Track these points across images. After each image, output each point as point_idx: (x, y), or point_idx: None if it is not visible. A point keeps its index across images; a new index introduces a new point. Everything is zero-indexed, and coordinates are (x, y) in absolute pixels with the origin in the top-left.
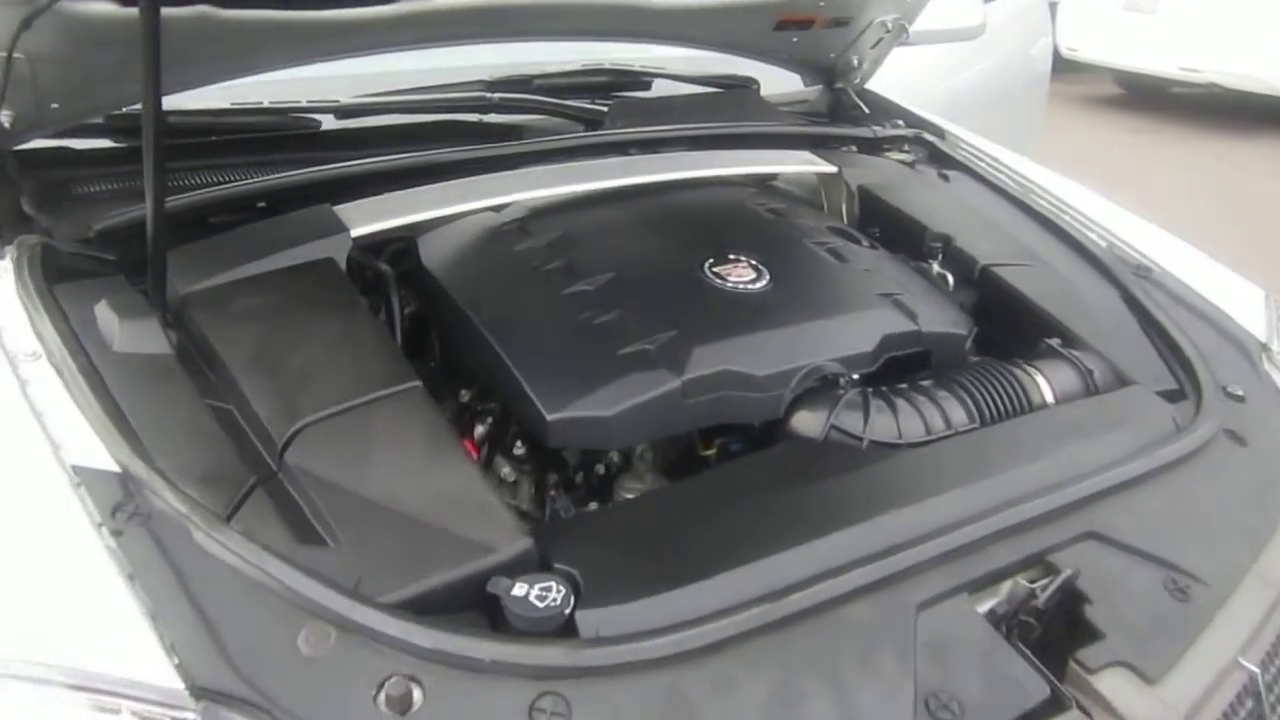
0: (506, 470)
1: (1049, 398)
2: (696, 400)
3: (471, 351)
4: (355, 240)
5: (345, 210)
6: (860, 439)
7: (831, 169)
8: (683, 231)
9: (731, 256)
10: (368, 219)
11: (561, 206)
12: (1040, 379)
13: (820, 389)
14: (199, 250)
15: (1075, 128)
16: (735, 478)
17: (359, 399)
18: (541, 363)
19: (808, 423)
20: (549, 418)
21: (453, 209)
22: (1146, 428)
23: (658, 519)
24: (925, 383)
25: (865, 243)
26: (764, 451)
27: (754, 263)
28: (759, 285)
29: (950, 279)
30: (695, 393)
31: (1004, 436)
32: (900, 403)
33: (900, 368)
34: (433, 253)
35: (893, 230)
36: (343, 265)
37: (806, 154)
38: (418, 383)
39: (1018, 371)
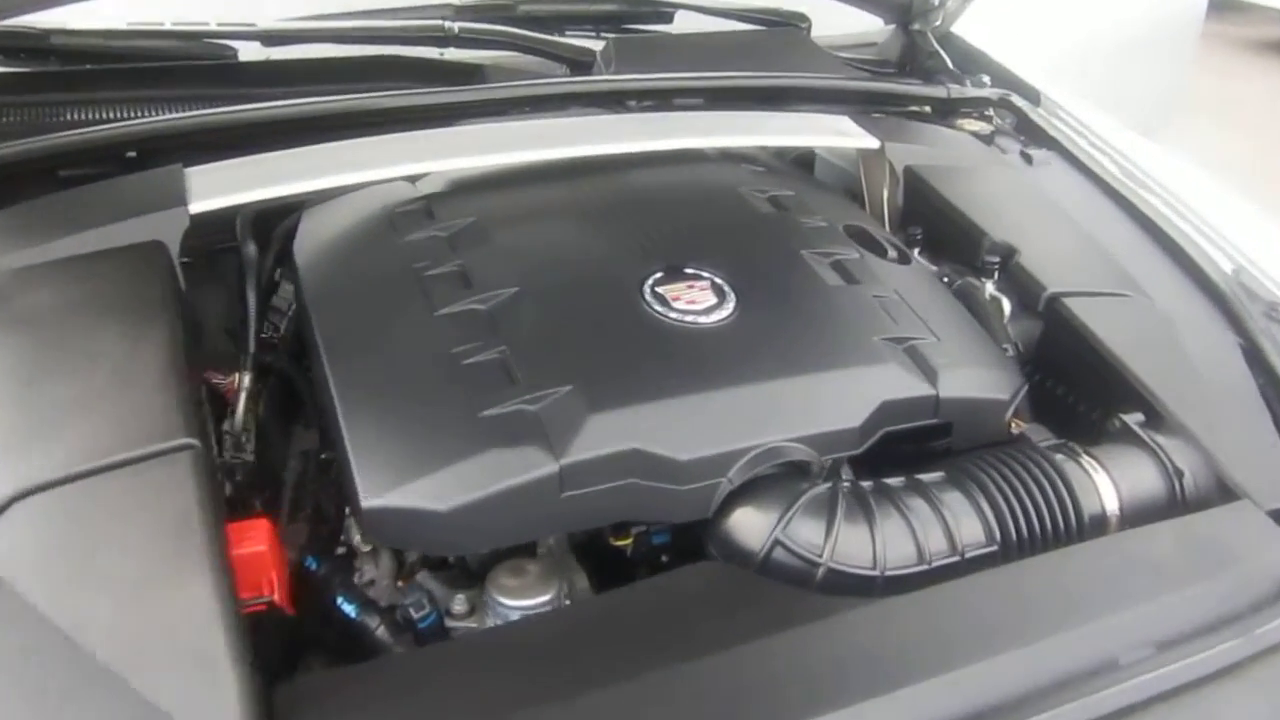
0: (359, 538)
1: (1111, 509)
2: (583, 494)
3: (317, 386)
4: (195, 217)
5: (203, 174)
6: (816, 563)
7: (871, 143)
8: (635, 228)
9: (690, 270)
10: (228, 188)
11: (493, 181)
12: (1102, 479)
13: (775, 481)
14: (19, 213)
15: (1233, 74)
16: (591, 626)
17: (95, 462)
18: (382, 419)
19: (743, 531)
20: (363, 504)
21: (348, 177)
22: (1254, 579)
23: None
24: (932, 476)
25: (892, 252)
26: (658, 579)
27: (719, 280)
28: (715, 317)
29: (1007, 306)
30: (582, 482)
31: (1032, 580)
32: (885, 508)
33: (909, 444)
34: (309, 235)
35: (941, 231)
36: (174, 248)
37: (844, 121)
38: (193, 441)
39: (1070, 466)
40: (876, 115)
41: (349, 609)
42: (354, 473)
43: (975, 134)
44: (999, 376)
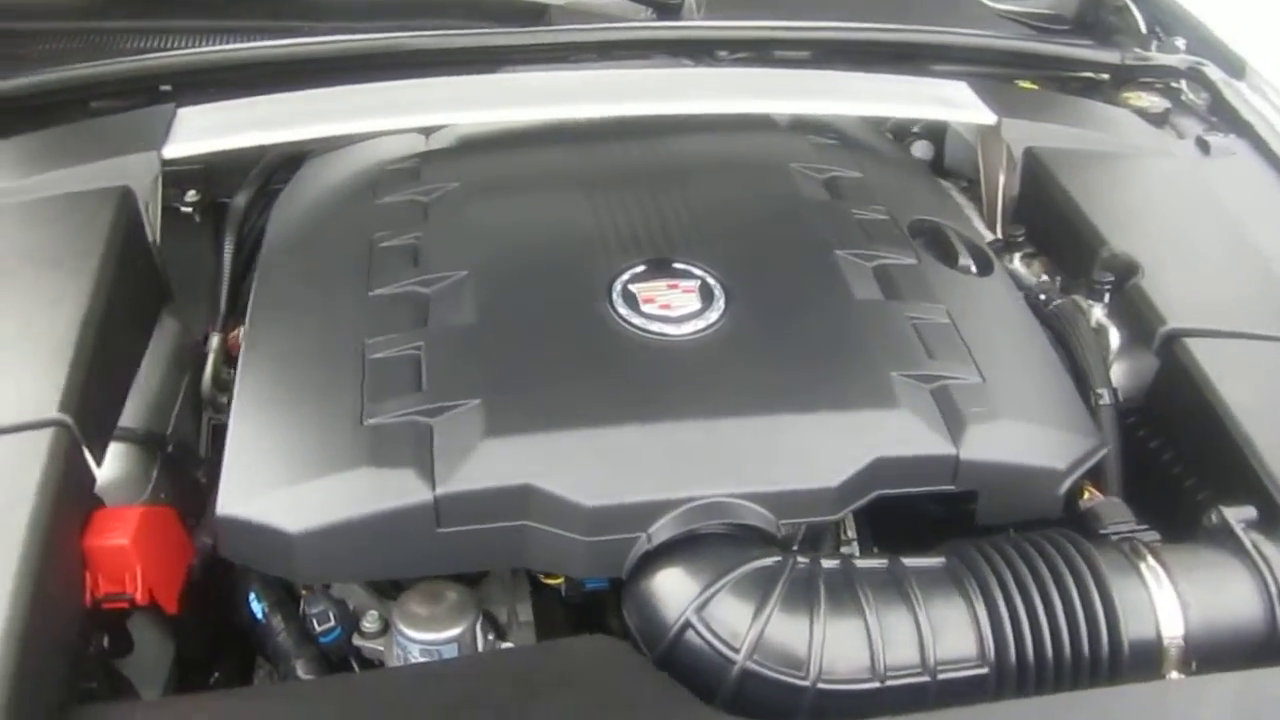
0: None
1: (1170, 638)
2: (464, 531)
3: None
4: (168, 162)
5: (195, 115)
6: (730, 659)
7: (984, 118)
8: (636, 208)
9: (679, 265)
10: (213, 131)
11: (505, 140)
12: (1164, 596)
13: (710, 546)
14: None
15: None
16: (430, 691)
17: None
18: (271, 413)
19: (653, 603)
20: (217, 512)
21: (348, 126)
22: None
23: None
24: (923, 562)
25: (967, 258)
26: (550, 646)
27: (712, 281)
28: (689, 328)
29: (1115, 339)
30: (462, 518)
31: None
32: (839, 598)
33: (921, 514)
34: (295, 188)
35: (1054, 233)
36: (145, 196)
37: (960, 89)
38: (63, 419)
39: (1120, 570)
40: (1024, 83)
41: (257, 609)
42: (222, 474)
43: (1143, 111)
44: (1059, 438)
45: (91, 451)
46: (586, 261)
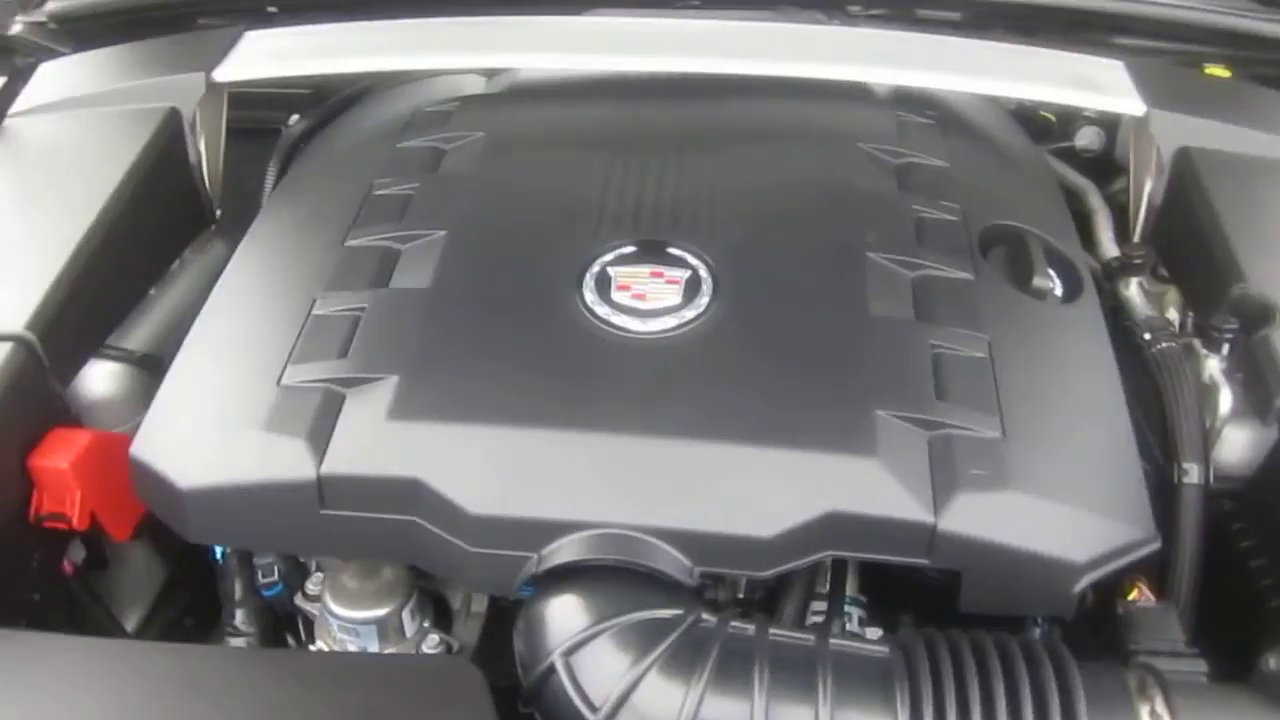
0: None
1: None
2: (349, 517)
3: None
4: (215, 84)
5: (260, 39)
6: (588, 717)
7: (1129, 107)
8: (655, 179)
9: (674, 250)
10: (269, 58)
11: (557, 90)
12: None
13: (609, 583)
14: (82, 61)
15: None
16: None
17: None
18: (210, 356)
19: (530, 635)
20: (130, 451)
21: (409, 61)
22: None
23: None
24: (866, 651)
25: (1042, 277)
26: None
27: (705, 272)
28: (659, 324)
29: (1226, 401)
30: (348, 503)
31: None
32: (731, 673)
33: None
34: (343, 123)
35: (1191, 258)
36: (192, 116)
37: (1114, 70)
38: (25, 335)
39: (1118, 700)
40: (1214, 68)
41: (217, 549)
42: (148, 413)
43: None
44: (1088, 522)
45: (59, 371)
46: (573, 234)
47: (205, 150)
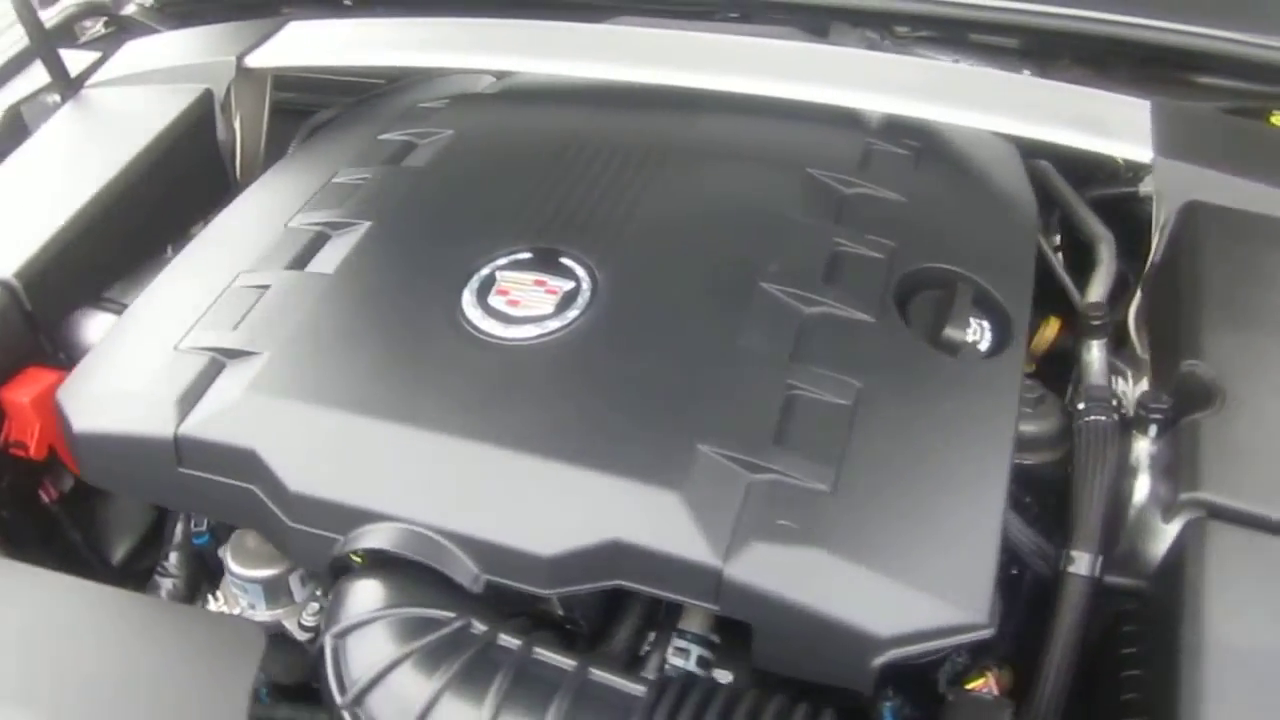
0: None
1: None
2: (202, 478)
3: None
4: (245, 69)
5: (303, 29)
6: (339, 697)
7: (1133, 152)
8: (586, 187)
9: (566, 261)
10: (299, 48)
11: (553, 94)
12: None
13: (389, 573)
14: (157, 41)
15: None
16: None
17: None
18: (149, 310)
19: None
20: (57, 392)
21: (427, 58)
22: None
23: None
24: (620, 686)
25: (958, 329)
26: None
27: (587, 286)
28: (519, 333)
29: (1143, 488)
30: (201, 464)
31: None
32: (470, 680)
33: None
34: (346, 114)
35: (1162, 325)
36: (221, 96)
37: (1136, 110)
38: (9, 281)
39: None
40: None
41: None
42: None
43: None
44: (901, 597)
45: (46, 316)
46: (483, 236)
47: (241, 129)
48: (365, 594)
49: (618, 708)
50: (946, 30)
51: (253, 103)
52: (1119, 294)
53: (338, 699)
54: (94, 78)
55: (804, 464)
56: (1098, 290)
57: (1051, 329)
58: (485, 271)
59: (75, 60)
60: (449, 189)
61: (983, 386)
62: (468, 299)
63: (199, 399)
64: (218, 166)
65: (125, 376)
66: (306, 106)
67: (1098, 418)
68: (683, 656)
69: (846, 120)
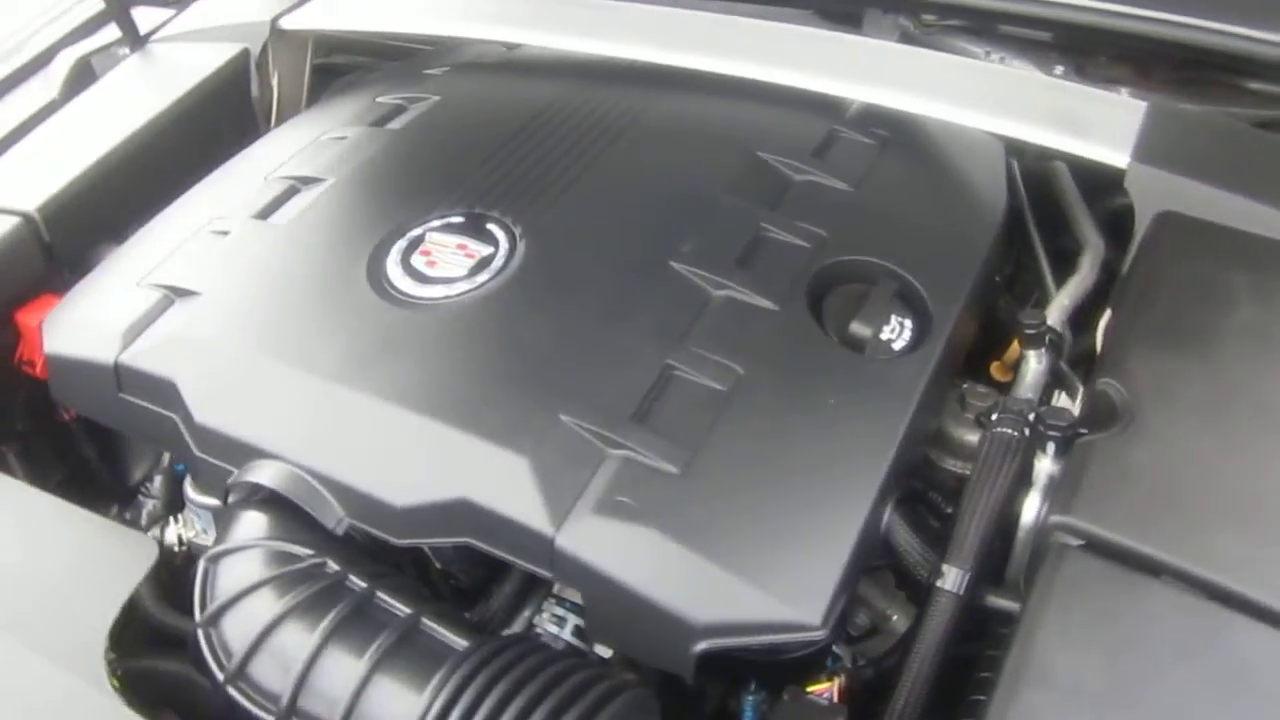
0: None
1: None
2: (134, 404)
3: None
4: (279, 30)
5: None
6: (198, 615)
7: (1109, 156)
8: (537, 156)
9: (492, 227)
10: (340, 11)
11: (547, 66)
12: None
13: (266, 507)
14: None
15: None
16: None
17: None
18: (126, 254)
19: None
20: (45, 319)
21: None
22: None
23: None
24: (445, 638)
25: (866, 326)
26: None
27: (504, 253)
28: (425, 292)
29: (1034, 504)
30: (134, 389)
31: None
32: (306, 614)
33: None
34: (376, 75)
35: (1108, 339)
36: (255, 56)
37: (1128, 110)
38: (28, 212)
39: None
40: None
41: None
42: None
43: None
44: (727, 587)
45: (61, 247)
46: (424, 199)
47: (279, 87)
48: (242, 525)
49: (433, 654)
50: (979, 21)
51: (292, 62)
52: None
53: (197, 617)
54: (158, 34)
55: (658, 444)
56: (1064, 300)
57: None
58: (417, 232)
59: (153, 17)
60: (411, 152)
61: (878, 385)
62: (393, 257)
63: (143, 331)
64: (250, 121)
65: (93, 307)
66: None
67: (1004, 430)
68: (558, 624)
69: (822, 106)
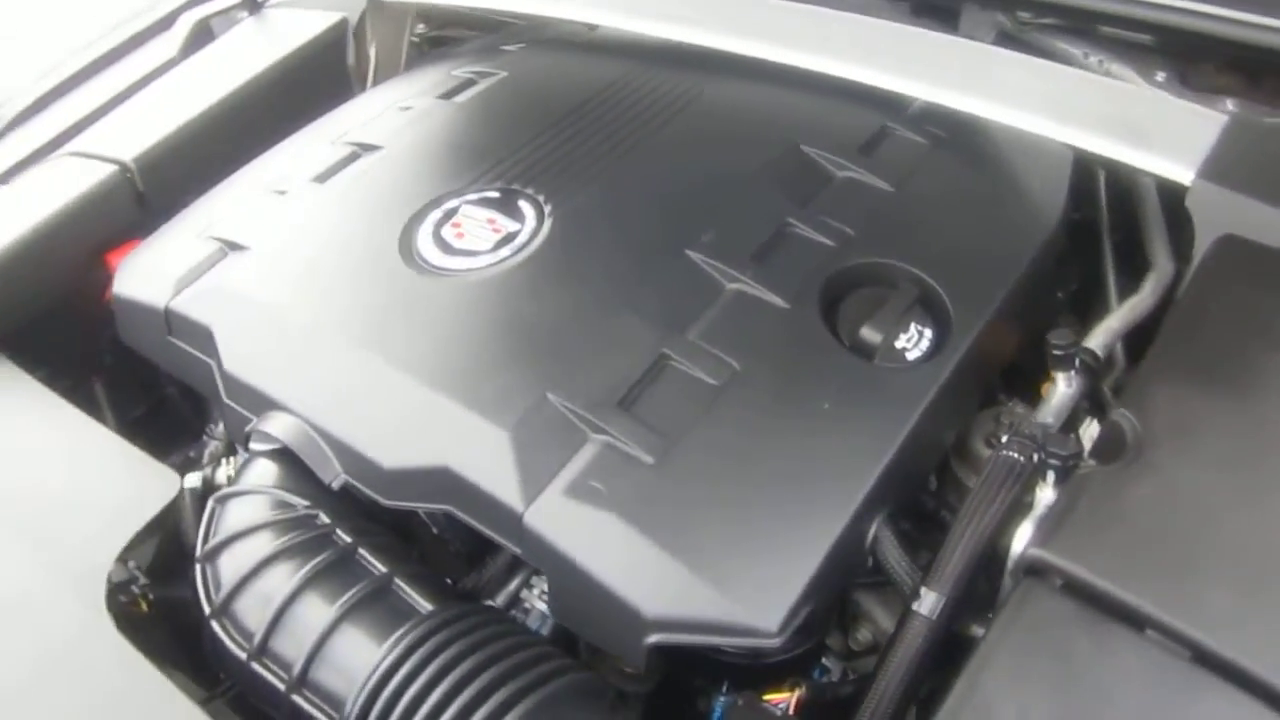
0: None
1: None
2: (180, 348)
3: None
4: (374, 2)
5: None
6: (200, 548)
7: (1171, 170)
8: (585, 137)
9: (523, 204)
10: None
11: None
12: None
13: (276, 457)
14: None
15: None
16: None
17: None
18: (197, 208)
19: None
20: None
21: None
22: None
23: None
24: (414, 601)
25: (876, 332)
26: None
27: (529, 231)
28: (451, 263)
29: (1024, 533)
30: (179, 333)
31: None
32: (286, 559)
33: None
34: (453, 51)
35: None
36: (359, 26)
37: (1203, 122)
38: (125, 161)
39: None
40: None
41: None
42: None
43: None
44: (685, 581)
45: (153, 196)
46: (468, 173)
47: (375, 56)
48: (253, 472)
49: (398, 613)
50: (1078, 20)
51: (390, 33)
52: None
53: (198, 552)
54: (273, 1)
55: (638, 432)
56: (1114, 323)
57: None
58: (453, 204)
59: None
60: (465, 126)
61: (879, 393)
62: (425, 226)
63: (194, 280)
64: (345, 87)
65: (159, 254)
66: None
67: (1009, 454)
68: (546, 600)
69: (882, 102)
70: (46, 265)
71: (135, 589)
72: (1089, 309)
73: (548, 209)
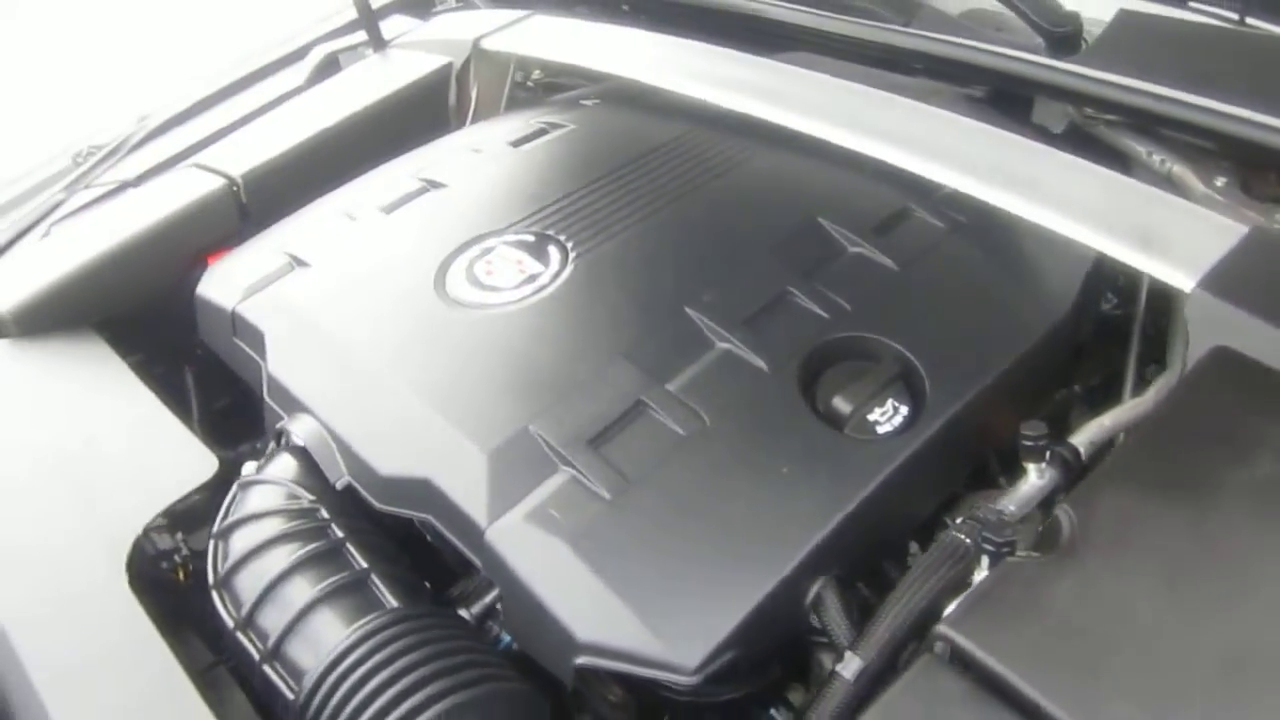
0: None
1: None
2: (241, 347)
3: None
4: (479, 50)
5: (542, 24)
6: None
7: (1177, 281)
8: (628, 192)
9: (553, 249)
10: (527, 40)
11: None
12: None
13: (293, 454)
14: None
15: None
16: None
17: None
18: (287, 222)
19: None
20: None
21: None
22: None
23: None
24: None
25: (850, 403)
26: None
27: (550, 278)
28: (476, 297)
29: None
30: (242, 335)
31: None
32: (286, 543)
33: None
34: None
35: None
36: (455, 73)
37: (1222, 233)
38: (234, 176)
39: None
40: None
41: None
42: None
43: None
44: (614, 611)
45: (255, 210)
46: (516, 214)
47: (476, 99)
48: (276, 464)
49: (366, 606)
50: (1131, 117)
51: (493, 78)
52: None
53: (215, 529)
54: (398, 40)
55: (602, 470)
56: (1106, 420)
57: None
58: (491, 243)
59: (404, 25)
60: (523, 173)
61: (837, 462)
62: (461, 262)
63: (261, 289)
64: (444, 126)
65: (239, 263)
66: None
67: (955, 535)
68: None
69: (913, 184)
70: (153, 262)
71: (178, 558)
72: (1106, 404)
73: (572, 255)
